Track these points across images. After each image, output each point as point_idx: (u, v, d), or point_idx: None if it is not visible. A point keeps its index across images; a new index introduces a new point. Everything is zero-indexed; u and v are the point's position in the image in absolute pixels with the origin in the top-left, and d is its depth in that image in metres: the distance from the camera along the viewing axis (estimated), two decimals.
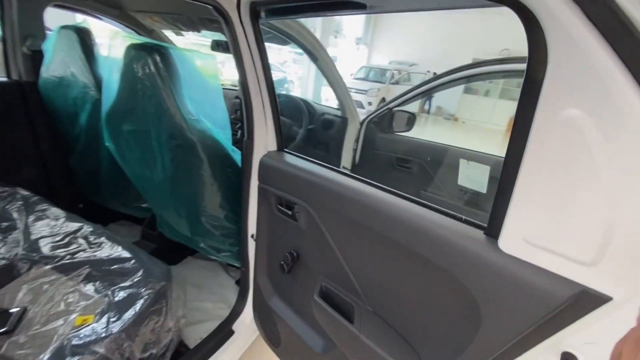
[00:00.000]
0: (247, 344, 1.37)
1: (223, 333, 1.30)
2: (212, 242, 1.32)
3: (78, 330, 0.86)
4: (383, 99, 8.68)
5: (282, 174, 1.00)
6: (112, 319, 0.91)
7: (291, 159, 1.04)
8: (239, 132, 1.24)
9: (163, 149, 1.09)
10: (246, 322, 1.34)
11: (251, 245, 1.28)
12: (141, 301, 0.95)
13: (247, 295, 1.37)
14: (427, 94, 2.12)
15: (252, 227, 1.24)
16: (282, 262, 1.04)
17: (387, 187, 0.79)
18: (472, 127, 9.60)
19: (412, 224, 0.70)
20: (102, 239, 1.19)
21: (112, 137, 1.22)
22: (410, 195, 0.75)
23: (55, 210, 1.29)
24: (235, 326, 1.33)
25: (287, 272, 1.03)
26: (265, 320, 1.24)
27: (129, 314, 0.92)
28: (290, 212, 1.01)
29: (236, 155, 1.19)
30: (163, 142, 1.08)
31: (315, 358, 1.06)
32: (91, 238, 1.19)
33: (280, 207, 1.05)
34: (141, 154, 1.16)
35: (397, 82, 9.74)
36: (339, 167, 0.95)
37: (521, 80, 0.50)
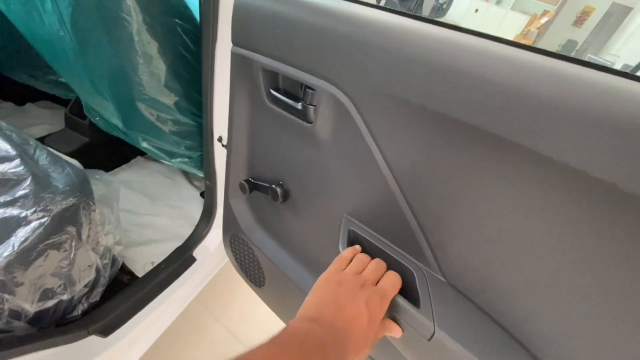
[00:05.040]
0: (210, 275, 1.09)
1: (182, 260, 0.99)
2: (159, 143, 0.90)
3: None
4: None
5: (282, 23, 0.51)
6: None
7: None
8: None
9: None
10: (211, 249, 1.04)
11: (219, 151, 0.88)
12: (26, 230, 0.57)
13: (213, 216, 1.03)
14: None
15: (219, 126, 0.82)
16: (273, 186, 0.66)
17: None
18: None
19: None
20: None
21: None
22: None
23: None
24: (197, 252, 1.02)
25: (283, 201, 0.66)
26: (243, 256, 0.91)
27: (2, 250, 0.54)
28: (297, 105, 0.55)
29: None
30: None
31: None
32: None
33: (275, 92, 0.58)
34: None
35: None
36: None
37: None
